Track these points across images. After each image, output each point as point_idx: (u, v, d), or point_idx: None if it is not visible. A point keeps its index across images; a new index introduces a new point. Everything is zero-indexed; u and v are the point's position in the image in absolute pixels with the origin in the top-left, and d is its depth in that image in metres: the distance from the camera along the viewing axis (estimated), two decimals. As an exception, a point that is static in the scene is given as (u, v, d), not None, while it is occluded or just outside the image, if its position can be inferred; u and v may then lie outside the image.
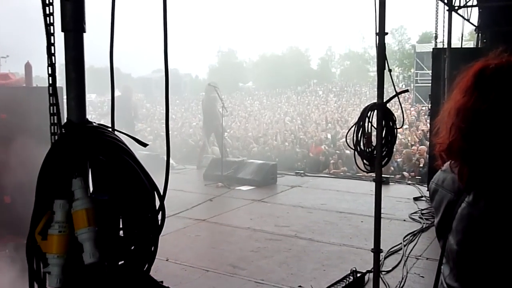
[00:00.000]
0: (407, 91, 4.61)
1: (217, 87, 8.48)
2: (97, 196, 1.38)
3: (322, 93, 37.13)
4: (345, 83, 41.95)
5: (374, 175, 3.77)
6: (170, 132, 1.68)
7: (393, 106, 22.07)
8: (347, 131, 7.70)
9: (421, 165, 9.98)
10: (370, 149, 4.13)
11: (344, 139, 8.26)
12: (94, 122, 1.42)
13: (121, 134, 1.47)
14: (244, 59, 57.76)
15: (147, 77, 43.40)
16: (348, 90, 37.10)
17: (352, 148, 4.17)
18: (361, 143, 4.12)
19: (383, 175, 3.86)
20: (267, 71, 47.19)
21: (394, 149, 7.02)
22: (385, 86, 3.62)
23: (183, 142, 13.91)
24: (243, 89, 49.21)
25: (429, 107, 7.74)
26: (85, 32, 1.41)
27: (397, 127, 4.00)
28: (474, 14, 8.19)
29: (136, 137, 1.54)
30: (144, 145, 1.52)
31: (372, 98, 28.58)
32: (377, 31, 3.55)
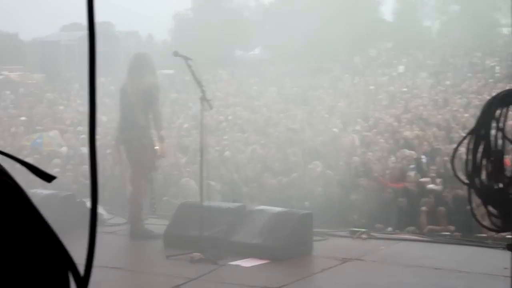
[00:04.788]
0: None
1: (189, 58, 8.56)
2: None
3: (403, 69, 37.27)
4: (450, 50, 42.10)
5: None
6: (97, 152, 1.73)
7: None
8: (455, 147, 7.74)
9: None
10: (501, 184, 4.14)
11: (450, 163, 8.26)
12: None
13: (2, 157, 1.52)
14: (245, 1, 58.33)
15: (51, 39, 43.99)
16: (456, 64, 37.20)
17: (464, 183, 4.19)
18: (483, 172, 4.14)
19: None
20: (292, 27, 47.43)
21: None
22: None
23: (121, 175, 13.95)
24: (246, 62, 49.58)
25: None
26: None
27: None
28: None
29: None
30: (48, 178, 1.57)
31: (507, 79, 28.58)
32: None
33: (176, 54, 8.75)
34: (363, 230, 9.36)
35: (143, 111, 9.43)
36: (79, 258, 1.53)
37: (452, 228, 10.51)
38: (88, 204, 8.51)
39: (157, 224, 9.72)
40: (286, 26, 47.62)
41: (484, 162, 4.14)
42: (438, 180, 12.36)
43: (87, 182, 13.57)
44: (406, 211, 11.29)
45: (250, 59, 51.66)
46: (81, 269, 1.56)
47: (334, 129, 18.62)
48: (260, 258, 7.95)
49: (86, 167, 14.33)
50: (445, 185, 11.99)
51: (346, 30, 45.21)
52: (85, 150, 16.75)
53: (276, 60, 46.45)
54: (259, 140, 17.96)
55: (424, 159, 14.48)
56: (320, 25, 46.10)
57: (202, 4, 55.33)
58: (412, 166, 13.74)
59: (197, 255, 7.93)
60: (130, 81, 9.71)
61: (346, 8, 48.17)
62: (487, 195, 4.19)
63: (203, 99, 8.45)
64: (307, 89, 31.44)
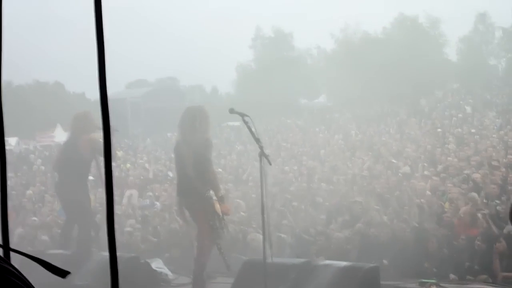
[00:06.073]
0: None
1: (246, 115, 8.52)
2: None
3: (471, 109, 36.79)
4: (519, 89, 41.42)
5: None
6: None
7: None
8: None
9: None
10: None
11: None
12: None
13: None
14: (307, 49, 58.55)
15: (117, 97, 44.85)
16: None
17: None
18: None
19: None
20: (355, 72, 47.43)
21: None
22: None
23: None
24: (311, 110, 49.61)
25: None
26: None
27: None
28: None
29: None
30: (62, 274, 1.55)
31: None
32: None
33: (232, 111, 8.71)
34: (433, 281, 9.20)
35: (197, 172, 9.33)
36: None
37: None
38: (153, 265, 8.44)
39: (225, 283, 9.70)
40: (350, 72, 47.69)
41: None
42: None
43: (155, 240, 13.56)
44: (479, 258, 11.01)
45: (315, 107, 51.69)
46: None
47: (401, 175, 18.43)
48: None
49: (155, 226, 14.43)
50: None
51: (410, 73, 45.01)
52: (154, 207, 16.87)
53: (341, 106, 46.39)
54: (326, 188, 17.89)
55: (497, 202, 14.18)
56: (383, 69, 46.00)
57: (264, 54, 55.84)
58: (484, 212, 13.48)
59: (262, 315, 7.89)
60: (181, 139, 9.69)
61: (409, 51, 47.95)
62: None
63: (262, 155, 8.45)
64: (373, 134, 31.26)
